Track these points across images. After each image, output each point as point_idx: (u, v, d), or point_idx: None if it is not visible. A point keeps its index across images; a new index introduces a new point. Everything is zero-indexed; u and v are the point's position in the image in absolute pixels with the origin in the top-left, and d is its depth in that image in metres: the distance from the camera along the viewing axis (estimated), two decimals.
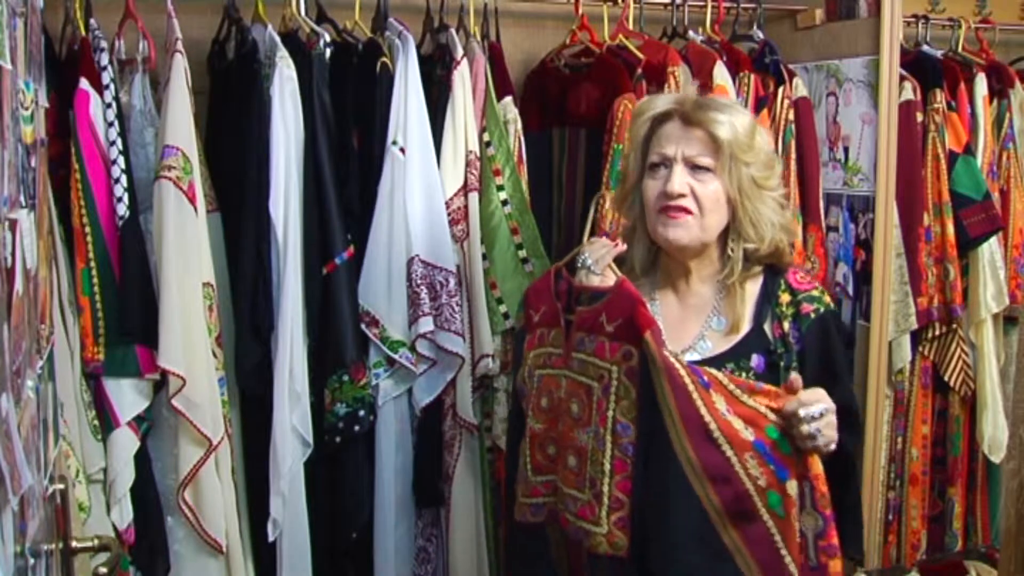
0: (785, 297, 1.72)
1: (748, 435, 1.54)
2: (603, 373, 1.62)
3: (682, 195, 1.66)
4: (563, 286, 1.71)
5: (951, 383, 2.79)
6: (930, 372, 2.80)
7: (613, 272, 1.68)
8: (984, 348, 2.79)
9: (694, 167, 1.67)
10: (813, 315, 1.70)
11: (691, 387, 1.54)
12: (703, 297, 1.75)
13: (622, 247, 1.74)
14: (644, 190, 1.71)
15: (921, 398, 2.78)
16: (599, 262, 1.69)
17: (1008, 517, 1.33)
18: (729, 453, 1.53)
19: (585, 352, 1.65)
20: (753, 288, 1.73)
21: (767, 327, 1.71)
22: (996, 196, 2.78)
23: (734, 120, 1.68)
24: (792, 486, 1.54)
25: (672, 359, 1.56)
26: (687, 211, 1.67)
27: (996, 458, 2.81)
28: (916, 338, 2.74)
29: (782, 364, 1.68)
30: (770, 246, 1.71)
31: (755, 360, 1.70)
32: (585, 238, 1.79)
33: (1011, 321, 2.87)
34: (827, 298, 1.74)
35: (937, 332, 2.77)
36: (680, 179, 1.66)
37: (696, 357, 1.70)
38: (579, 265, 1.71)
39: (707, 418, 1.53)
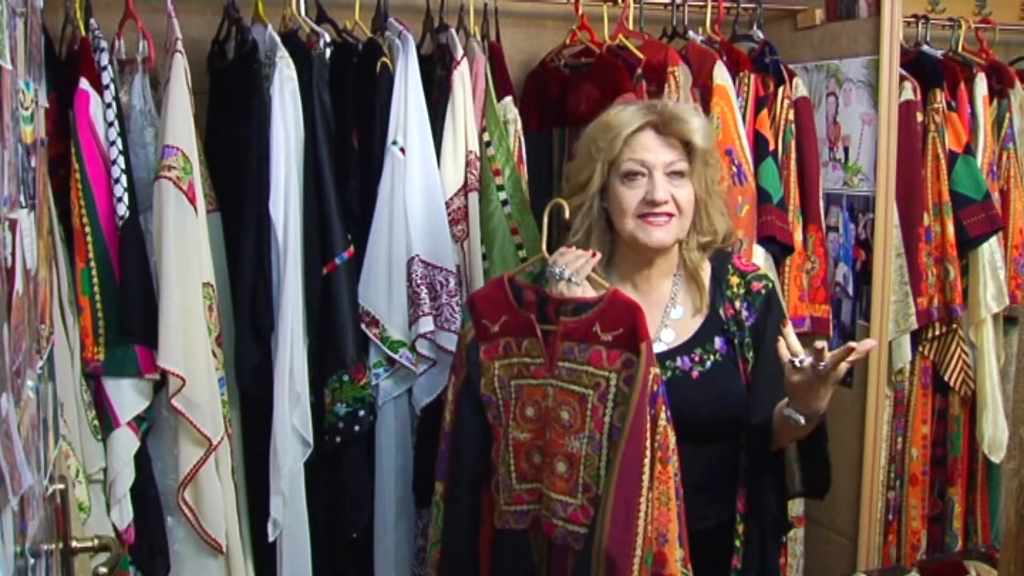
0: (734, 279, 1.85)
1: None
2: (599, 381, 1.67)
3: (666, 202, 1.75)
4: (530, 296, 1.74)
5: (951, 383, 2.78)
6: (930, 372, 2.80)
7: (596, 282, 1.73)
8: (984, 348, 2.79)
9: (671, 173, 1.77)
10: (763, 291, 1.84)
11: (647, 421, 1.60)
12: (661, 291, 1.87)
13: (599, 256, 1.79)
14: (618, 198, 1.78)
15: (921, 398, 2.78)
16: (579, 273, 1.73)
17: (1008, 517, 1.33)
18: (643, 492, 1.59)
19: (576, 361, 1.69)
20: (706, 276, 1.86)
21: (720, 310, 1.83)
22: (996, 196, 2.78)
23: (703, 125, 1.81)
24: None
25: (650, 385, 1.61)
26: (669, 215, 1.77)
27: (996, 458, 2.81)
28: (916, 338, 2.74)
29: (736, 341, 1.81)
30: (724, 237, 1.86)
31: (718, 343, 1.82)
32: (544, 248, 1.80)
33: (1011, 321, 2.87)
34: (767, 276, 1.90)
35: (937, 332, 2.77)
36: (664, 187, 1.75)
37: (663, 348, 1.81)
38: (557, 277, 1.73)
39: (646, 455, 1.59)
